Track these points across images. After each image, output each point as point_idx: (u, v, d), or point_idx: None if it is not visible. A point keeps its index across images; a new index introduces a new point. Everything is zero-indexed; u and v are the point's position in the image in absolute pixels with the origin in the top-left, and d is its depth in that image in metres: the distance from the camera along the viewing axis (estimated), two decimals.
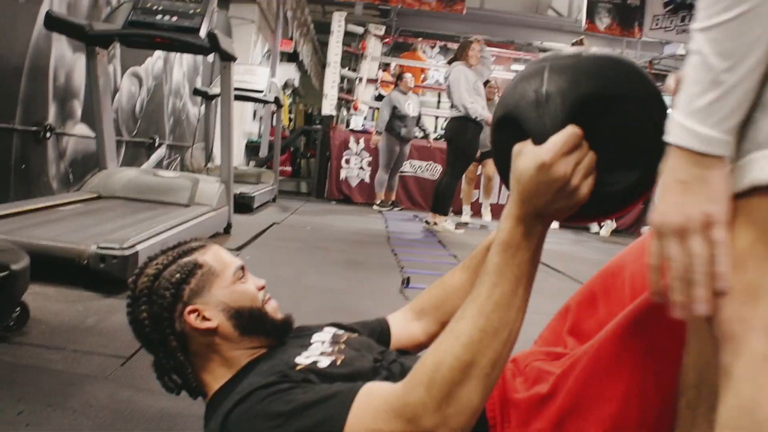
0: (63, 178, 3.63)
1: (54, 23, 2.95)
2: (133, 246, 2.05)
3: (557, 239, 4.98)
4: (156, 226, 2.43)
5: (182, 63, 5.89)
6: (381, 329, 1.07)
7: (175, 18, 3.00)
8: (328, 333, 0.96)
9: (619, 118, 0.69)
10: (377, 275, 2.88)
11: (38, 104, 3.28)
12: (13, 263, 1.45)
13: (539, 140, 0.69)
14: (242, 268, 0.94)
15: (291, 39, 9.40)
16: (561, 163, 0.67)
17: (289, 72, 10.59)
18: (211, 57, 5.07)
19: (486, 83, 5.30)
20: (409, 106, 5.99)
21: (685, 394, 0.71)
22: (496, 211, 5.76)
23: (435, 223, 4.74)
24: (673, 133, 0.59)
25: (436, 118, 8.28)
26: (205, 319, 0.88)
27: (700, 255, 0.58)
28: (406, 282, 2.61)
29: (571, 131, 0.68)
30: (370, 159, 6.64)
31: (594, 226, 5.93)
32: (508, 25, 8.99)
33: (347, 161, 6.71)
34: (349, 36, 7.47)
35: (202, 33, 2.98)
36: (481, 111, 4.50)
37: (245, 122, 8.39)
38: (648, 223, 0.63)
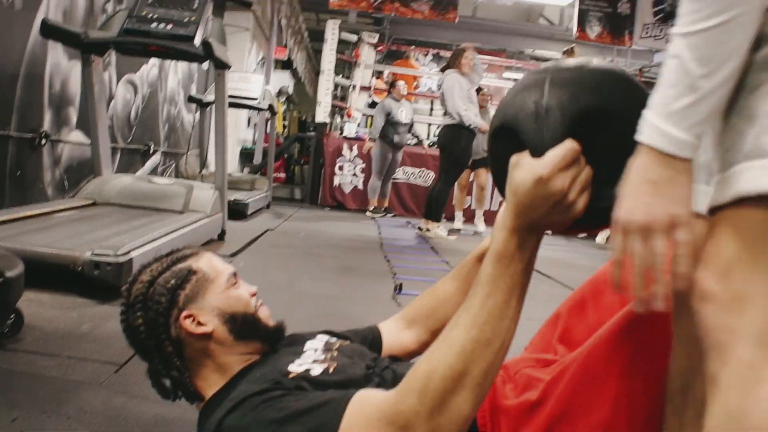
0: (58, 184, 3.62)
1: (50, 31, 2.96)
2: (127, 253, 2.06)
3: (550, 245, 5.01)
4: (150, 232, 2.44)
5: (177, 70, 5.89)
6: (373, 337, 1.08)
7: (170, 26, 3.00)
8: (320, 341, 0.97)
9: (618, 133, 0.69)
10: (370, 281, 2.89)
11: (34, 111, 3.28)
12: (8, 270, 1.45)
13: (537, 153, 0.69)
14: (235, 274, 0.95)
15: (285, 47, 9.43)
16: (558, 178, 0.67)
17: (283, 79, 10.62)
18: (206, 65, 5.08)
19: (479, 91, 5.35)
20: (402, 113, 6.03)
21: (671, 401, 0.72)
22: (489, 217, 5.79)
23: (427, 230, 4.76)
24: (645, 133, 0.60)
25: (429, 125, 8.31)
26: (200, 324, 0.89)
27: (662, 254, 0.59)
28: (398, 288, 2.62)
29: (569, 146, 0.68)
30: (364, 166, 6.67)
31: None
32: (500, 33, 9.07)
33: (341, 168, 6.74)
34: (342, 44, 7.50)
35: (197, 41, 2.99)
36: (475, 118, 4.53)
37: (239, 129, 8.40)
38: (613, 218, 0.63)
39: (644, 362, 0.77)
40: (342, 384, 0.83)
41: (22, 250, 1.91)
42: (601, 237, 5.77)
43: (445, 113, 4.61)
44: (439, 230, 4.77)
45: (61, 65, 3.53)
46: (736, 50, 0.56)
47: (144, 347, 0.90)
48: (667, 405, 0.72)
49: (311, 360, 0.89)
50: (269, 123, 6.61)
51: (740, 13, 0.55)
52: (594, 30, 8.01)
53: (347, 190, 6.75)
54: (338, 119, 8.06)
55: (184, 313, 0.89)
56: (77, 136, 3.79)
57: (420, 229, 4.88)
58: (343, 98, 7.98)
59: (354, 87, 7.51)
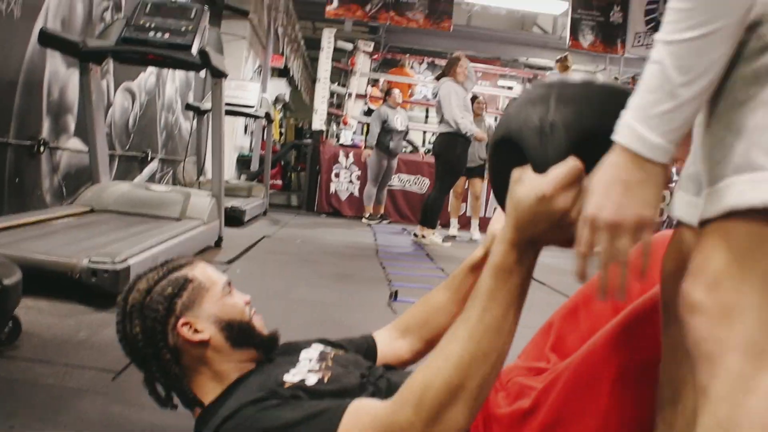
0: (56, 191, 3.63)
1: (48, 40, 2.98)
2: (125, 260, 2.06)
3: (546, 252, 5.02)
4: (148, 240, 2.44)
5: (175, 78, 5.92)
6: (368, 346, 1.09)
7: (167, 35, 3.02)
8: (315, 350, 0.98)
9: None
10: (366, 288, 2.90)
11: (32, 119, 3.30)
12: (6, 278, 1.46)
13: (540, 169, 0.69)
14: (229, 283, 0.97)
15: (282, 55, 9.47)
16: (561, 197, 0.67)
17: (279, 87, 10.65)
18: (203, 73, 5.10)
19: (474, 99, 5.38)
20: (398, 120, 6.07)
21: (662, 410, 0.72)
22: (483, 223, 5.82)
23: (423, 236, 4.78)
24: (622, 134, 0.61)
25: (424, 132, 8.36)
26: (197, 331, 0.90)
27: (625, 252, 0.61)
28: (394, 295, 2.63)
29: (573, 165, 0.68)
30: (359, 173, 6.69)
31: None
32: (494, 41, 9.12)
33: (337, 175, 6.76)
34: (338, 52, 7.54)
35: (194, 50, 3.01)
36: (471, 126, 4.57)
37: (236, 136, 8.41)
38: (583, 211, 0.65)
39: (636, 371, 0.78)
40: (337, 393, 0.83)
41: (20, 257, 1.91)
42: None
43: (441, 121, 4.63)
44: (434, 237, 4.79)
45: (60, 73, 3.55)
46: (716, 62, 0.57)
47: (141, 356, 0.91)
48: (657, 414, 0.73)
49: (306, 370, 0.89)
50: (266, 130, 6.63)
51: (722, 27, 0.56)
52: (587, 39, 8.08)
53: (343, 197, 6.77)
54: (334, 127, 8.09)
55: (182, 321, 0.90)
56: (75, 143, 3.80)
57: (415, 235, 4.90)
58: (339, 106, 8.01)
59: (350, 95, 7.55)
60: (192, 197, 3.33)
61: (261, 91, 5.97)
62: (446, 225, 5.74)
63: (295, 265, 3.40)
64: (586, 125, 0.70)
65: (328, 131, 7.69)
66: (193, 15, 3.12)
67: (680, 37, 0.57)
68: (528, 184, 0.69)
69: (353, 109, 7.57)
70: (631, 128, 0.60)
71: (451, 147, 4.59)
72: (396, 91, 6.21)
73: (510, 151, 0.74)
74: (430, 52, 9.21)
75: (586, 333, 0.96)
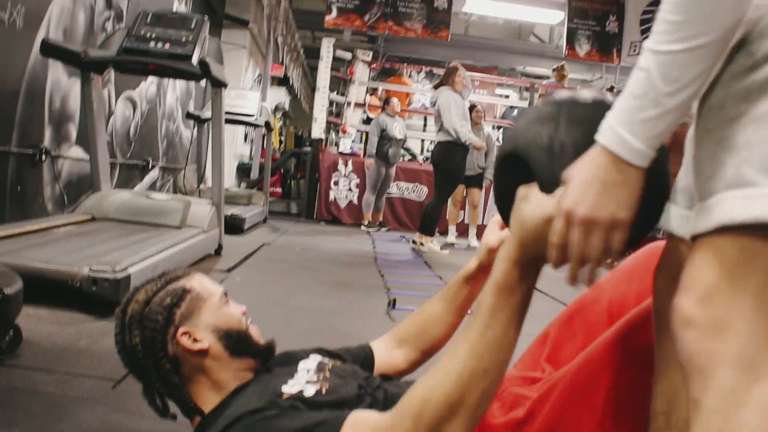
0: (58, 199, 3.65)
1: (50, 50, 3.00)
2: (125, 269, 2.07)
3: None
4: (148, 248, 2.46)
5: (175, 87, 5.95)
6: (365, 355, 1.09)
7: (167, 45, 3.05)
8: (313, 361, 0.98)
9: None
10: (365, 296, 2.91)
11: (34, 127, 3.32)
12: (6, 287, 1.47)
13: (547, 188, 0.69)
14: (225, 294, 0.98)
15: (281, 64, 9.51)
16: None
17: (279, 96, 10.68)
18: (203, 82, 5.14)
19: (472, 108, 5.42)
20: (396, 129, 6.10)
21: (655, 421, 0.72)
22: (480, 231, 5.84)
23: (421, 243, 4.80)
24: (605, 135, 0.63)
25: (422, 140, 8.39)
26: (196, 341, 0.91)
27: (597, 248, 0.63)
28: (392, 303, 2.64)
29: None
30: (358, 181, 6.72)
31: None
32: (492, 50, 9.19)
33: (336, 183, 6.78)
34: (337, 61, 7.58)
35: (194, 60, 3.04)
36: (470, 135, 4.59)
37: (237, 145, 8.44)
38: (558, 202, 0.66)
39: (631, 382, 0.79)
40: (335, 404, 0.84)
41: (21, 265, 1.92)
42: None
43: (440, 130, 4.65)
44: (432, 244, 4.81)
45: (62, 82, 3.58)
46: (701, 75, 0.59)
47: (141, 366, 0.91)
48: (650, 425, 0.73)
49: (304, 381, 0.90)
50: (266, 139, 6.66)
51: (708, 42, 0.57)
52: (583, 48, 8.14)
53: (342, 204, 6.79)
54: (334, 135, 8.12)
55: (181, 330, 0.91)
56: (77, 151, 3.83)
57: (414, 242, 4.91)
58: (338, 114, 8.04)
59: (349, 103, 7.58)
60: (192, 205, 3.34)
61: (261, 99, 6.00)
62: (444, 232, 5.76)
63: (294, 273, 3.41)
64: None
65: (327, 139, 7.72)
66: (193, 25, 3.15)
67: (669, 48, 0.58)
68: (534, 204, 0.69)
69: (352, 118, 7.60)
70: (614, 131, 0.62)
71: (450, 155, 4.61)
72: (394, 100, 6.25)
73: (516, 167, 0.74)
74: (428, 61, 9.26)
75: (581, 343, 0.96)
